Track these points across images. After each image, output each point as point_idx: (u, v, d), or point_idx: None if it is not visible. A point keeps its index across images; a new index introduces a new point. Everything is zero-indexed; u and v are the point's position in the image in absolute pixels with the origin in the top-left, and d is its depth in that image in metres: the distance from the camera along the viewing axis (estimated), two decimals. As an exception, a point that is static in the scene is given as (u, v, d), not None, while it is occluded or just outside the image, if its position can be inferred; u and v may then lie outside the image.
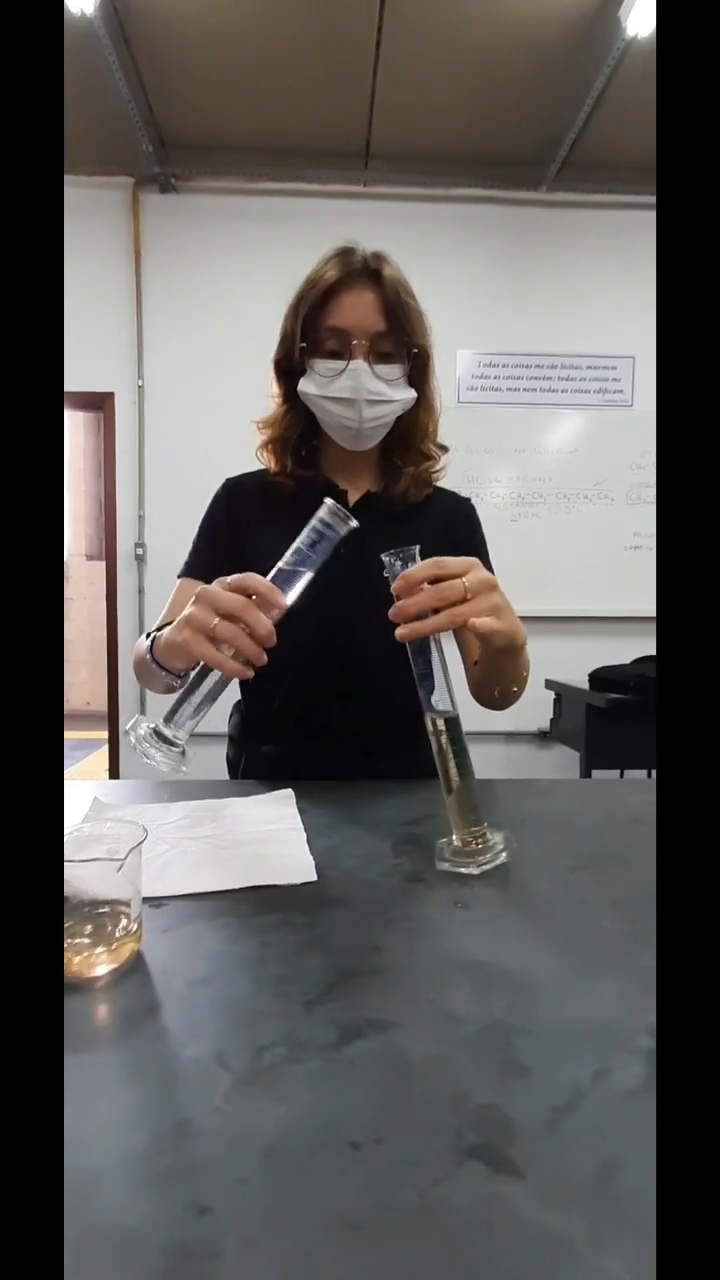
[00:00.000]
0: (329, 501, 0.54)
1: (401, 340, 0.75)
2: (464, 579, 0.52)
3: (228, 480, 0.88)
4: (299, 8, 2.00)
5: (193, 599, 0.53)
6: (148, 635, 0.67)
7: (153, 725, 0.52)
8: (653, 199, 2.78)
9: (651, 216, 2.81)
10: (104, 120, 2.44)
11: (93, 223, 2.75)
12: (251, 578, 0.52)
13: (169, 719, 0.52)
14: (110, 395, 2.79)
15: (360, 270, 0.74)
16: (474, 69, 2.23)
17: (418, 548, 0.54)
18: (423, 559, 0.53)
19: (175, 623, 0.55)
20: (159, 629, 0.67)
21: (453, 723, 0.53)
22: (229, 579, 0.53)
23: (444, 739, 0.53)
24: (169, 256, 2.77)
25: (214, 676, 0.53)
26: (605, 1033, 0.33)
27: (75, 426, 4.93)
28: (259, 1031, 0.33)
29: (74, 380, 2.72)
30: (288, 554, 0.55)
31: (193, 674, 0.54)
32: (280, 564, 0.55)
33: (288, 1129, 0.27)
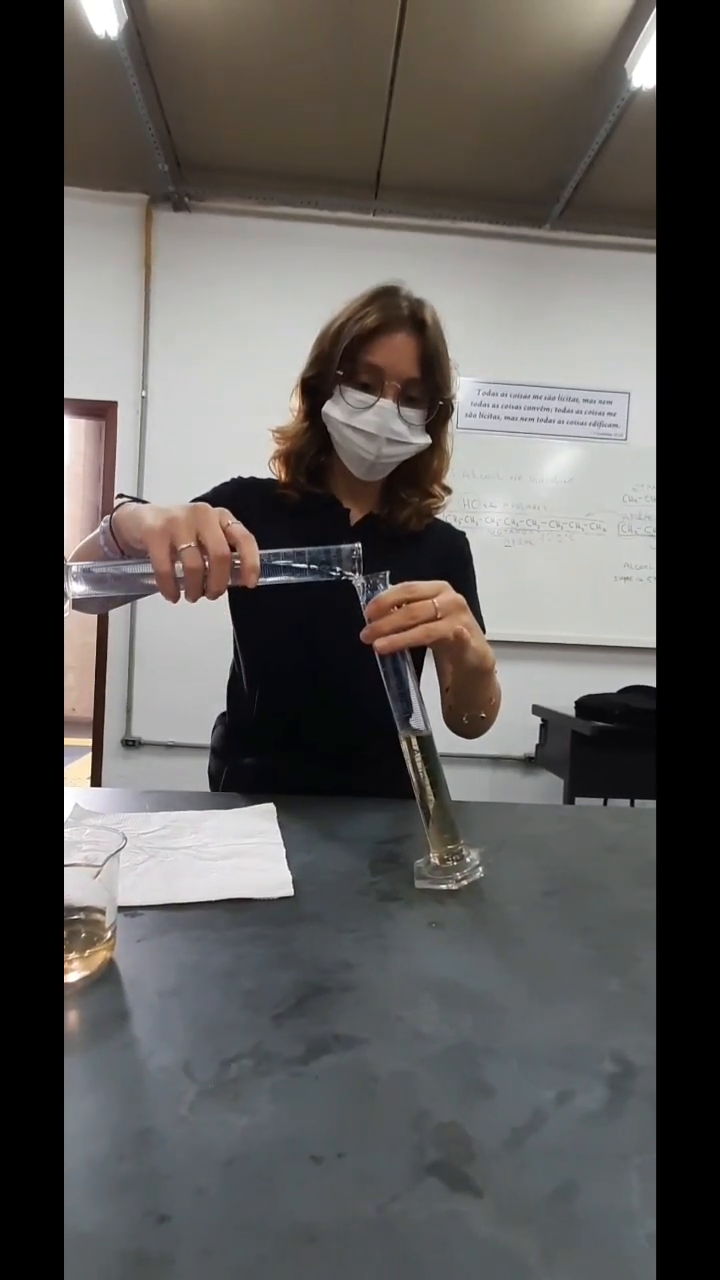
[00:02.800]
0: (358, 546, 0.55)
1: (430, 390, 0.78)
2: (434, 600, 0.53)
3: (239, 478, 0.89)
4: (317, 41, 2.06)
5: (191, 507, 0.53)
6: (111, 513, 0.65)
7: (69, 565, 0.51)
8: (650, 242, 2.87)
9: (649, 259, 2.89)
10: (122, 138, 2.50)
11: (106, 236, 2.79)
12: (249, 543, 0.52)
13: (84, 569, 0.52)
14: (113, 404, 2.82)
15: (406, 316, 0.76)
16: (484, 109, 2.31)
17: (387, 573, 0.55)
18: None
19: (158, 509, 0.55)
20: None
21: (426, 741, 0.54)
22: (231, 522, 0.53)
23: (418, 758, 0.54)
24: (179, 273, 2.82)
25: (143, 574, 0.52)
26: (569, 1056, 0.33)
27: (77, 433, 4.95)
28: (227, 1043, 0.33)
29: (78, 388, 2.74)
30: (287, 550, 0.55)
31: (133, 559, 0.53)
32: (274, 553, 0.54)
33: (250, 1140, 0.27)
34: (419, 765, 0.54)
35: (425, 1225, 0.24)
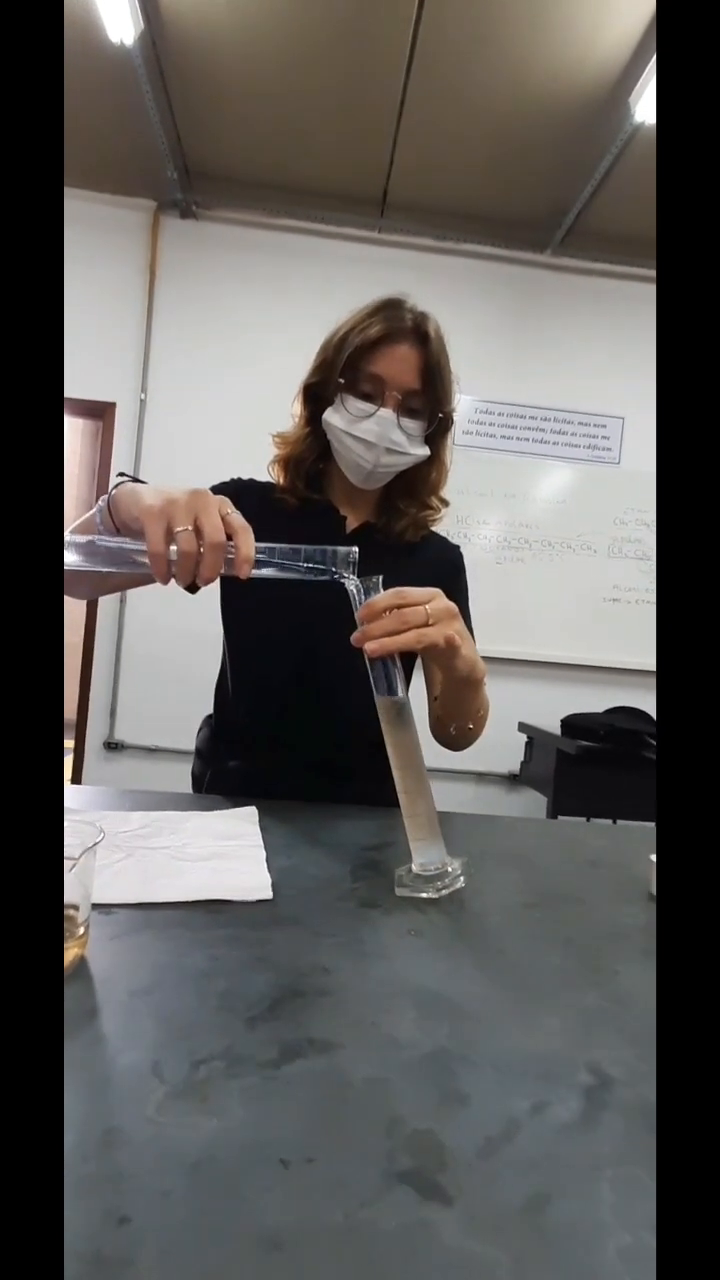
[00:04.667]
0: (355, 549, 0.54)
1: (430, 402, 0.79)
2: (426, 606, 0.53)
3: (238, 479, 0.89)
4: (330, 58, 2.10)
5: (192, 491, 0.53)
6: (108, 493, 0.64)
7: (70, 536, 0.51)
8: (647, 271, 2.92)
9: (645, 288, 2.94)
10: (133, 144, 2.52)
11: (113, 239, 2.81)
12: (246, 534, 0.52)
13: (84, 540, 0.52)
14: (112, 405, 2.81)
15: (410, 328, 0.77)
16: (491, 136, 2.35)
17: (380, 577, 0.55)
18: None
19: (158, 490, 0.55)
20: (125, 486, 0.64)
21: (403, 707, 0.54)
22: (231, 511, 0.52)
23: (395, 725, 0.53)
24: (183, 279, 2.83)
25: (136, 551, 0.52)
26: (546, 1067, 0.33)
27: (73, 433, 4.93)
28: (198, 1044, 0.32)
29: (77, 387, 2.74)
30: (283, 546, 0.54)
31: (127, 540, 0.52)
32: (270, 547, 0.54)
33: (218, 1143, 0.26)
34: (394, 725, 0.53)
35: (394, 1234, 0.23)
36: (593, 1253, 0.23)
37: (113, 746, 2.79)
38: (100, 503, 0.63)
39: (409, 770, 0.53)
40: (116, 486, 0.62)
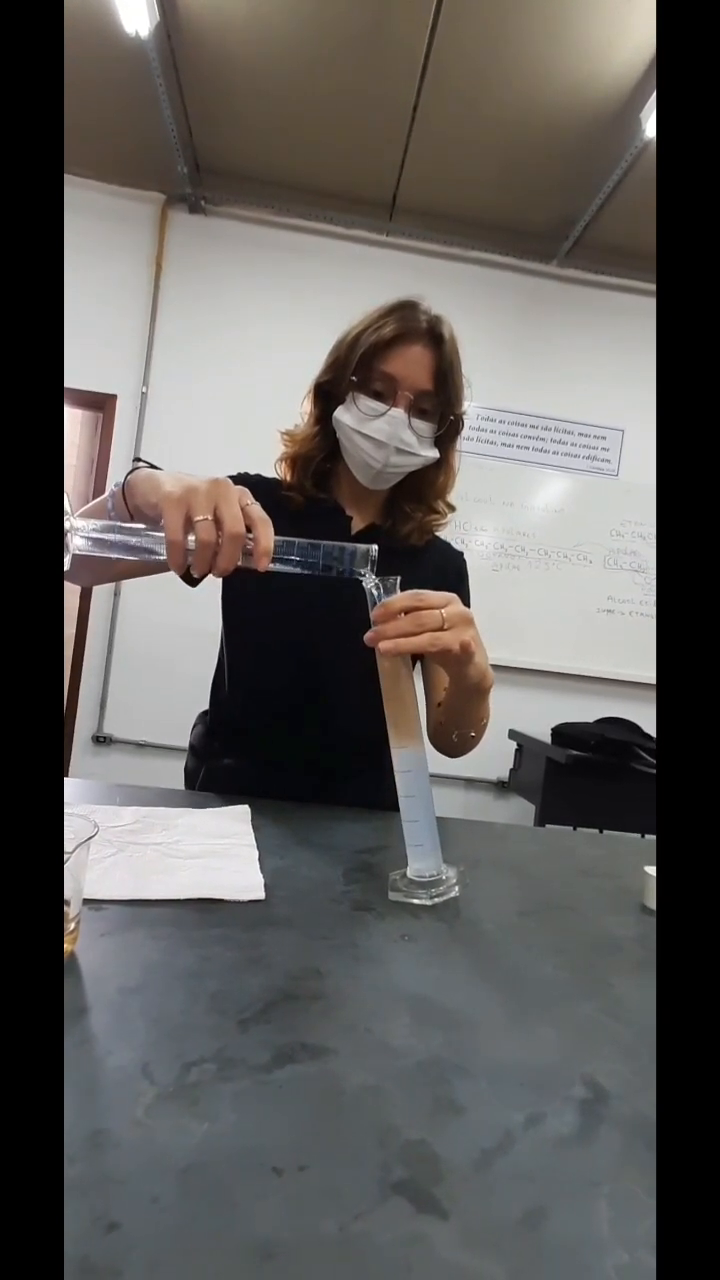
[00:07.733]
0: (374, 547, 0.53)
1: (442, 404, 0.79)
2: (442, 610, 0.53)
3: (245, 473, 0.87)
4: (345, 60, 2.10)
5: (213, 480, 0.52)
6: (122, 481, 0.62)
7: (72, 524, 0.49)
8: (653, 285, 2.94)
9: (650, 302, 2.96)
10: (144, 137, 2.51)
11: (120, 231, 2.79)
12: (266, 527, 0.51)
13: (97, 526, 0.50)
14: (113, 397, 2.80)
15: (424, 330, 0.77)
16: (502, 145, 2.36)
17: (399, 578, 0.54)
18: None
19: (178, 477, 0.53)
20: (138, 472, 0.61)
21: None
22: (251, 503, 0.51)
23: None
24: (189, 273, 2.82)
25: (153, 543, 0.50)
26: (541, 1078, 0.33)
27: (73, 424, 4.90)
28: (189, 1046, 0.32)
29: (79, 378, 2.72)
30: (302, 541, 0.53)
31: (142, 527, 0.51)
32: (289, 541, 0.53)
33: (209, 1149, 0.26)
34: (400, 736, 0.52)
35: (389, 1246, 0.23)
36: (590, 1270, 0.23)
37: (101, 740, 2.77)
38: (114, 486, 0.62)
39: (409, 775, 0.53)
40: (132, 471, 0.61)
